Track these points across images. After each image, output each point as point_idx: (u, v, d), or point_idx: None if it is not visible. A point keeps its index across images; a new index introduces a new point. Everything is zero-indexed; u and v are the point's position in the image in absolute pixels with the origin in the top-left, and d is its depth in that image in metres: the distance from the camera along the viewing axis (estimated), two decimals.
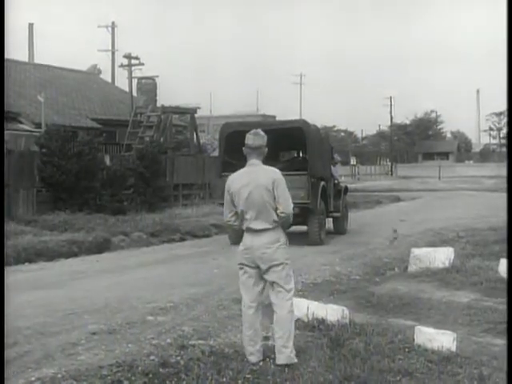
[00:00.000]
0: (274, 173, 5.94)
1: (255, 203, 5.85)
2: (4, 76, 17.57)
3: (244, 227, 5.99)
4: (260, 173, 5.94)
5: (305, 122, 15.60)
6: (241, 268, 6.03)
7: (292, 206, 5.91)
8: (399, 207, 28.84)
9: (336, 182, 17.90)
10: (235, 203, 5.98)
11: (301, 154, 17.53)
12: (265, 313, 6.18)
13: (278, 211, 5.82)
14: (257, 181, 5.88)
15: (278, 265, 5.85)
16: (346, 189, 18.74)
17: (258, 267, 5.91)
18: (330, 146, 18.32)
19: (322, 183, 15.71)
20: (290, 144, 17.01)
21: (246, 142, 6.08)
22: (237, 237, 14.84)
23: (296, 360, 5.79)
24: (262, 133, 6.14)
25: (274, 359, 5.82)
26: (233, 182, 6.07)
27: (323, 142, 16.79)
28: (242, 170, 6.15)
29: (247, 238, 5.97)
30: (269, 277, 5.88)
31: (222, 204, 16.48)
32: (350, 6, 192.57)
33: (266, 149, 6.13)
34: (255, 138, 6.06)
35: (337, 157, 20.76)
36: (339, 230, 17.78)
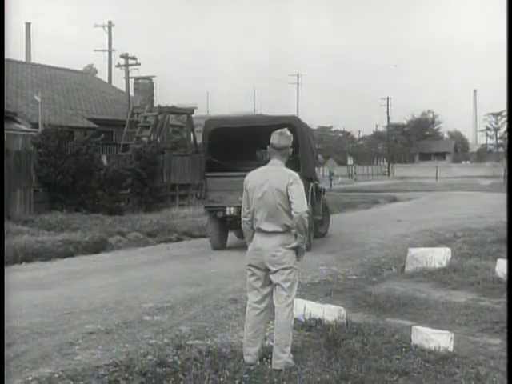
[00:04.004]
0: (290, 176, 5.81)
1: (267, 204, 5.79)
2: (4, 77, 17.57)
3: (255, 227, 5.92)
4: (277, 174, 5.84)
5: (296, 119, 14.82)
6: (249, 269, 5.98)
7: (306, 208, 5.74)
8: (396, 207, 28.86)
9: (316, 183, 16.40)
10: (249, 201, 5.93)
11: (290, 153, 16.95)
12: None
13: (292, 212, 5.70)
14: (272, 182, 5.80)
15: (286, 268, 5.80)
16: (324, 191, 17.53)
17: (266, 269, 5.85)
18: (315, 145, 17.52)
19: (311, 184, 14.87)
20: None
21: (270, 141, 5.98)
22: (221, 241, 14.61)
23: (293, 363, 5.78)
24: (288, 133, 6.03)
25: (271, 359, 5.81)
26: (249, 179, 6.00)
27: (312, 141, 16.08)
28: (260, 169, 6.04)
29: (257, 239, 5.89)
30: (275, 278, 5.84)
31: (207, 207, 15.38)
32: (347, 6, 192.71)
33: (291, 150, 6.06)
34: (280, 138, 5.96)
35: (320, 158, 20.19)
36: (316, 233, 15.87)
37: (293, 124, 13.75)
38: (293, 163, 15.01)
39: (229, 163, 14.87)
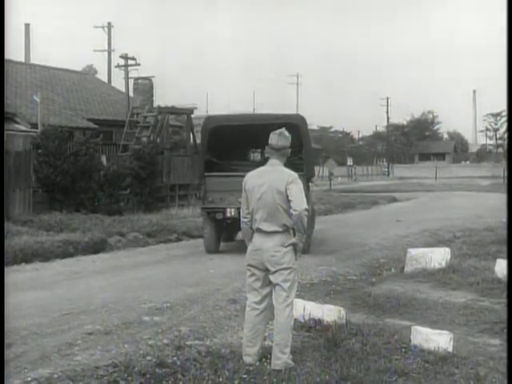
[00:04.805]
0: (289, 176, 5.84)
1: (267, 205, 5.80)
2: (4, 77, 17.56)
3: (254, 227, 5.93)
4: (276, 174, 5.86)
5: (301, 118, 14.20)
6: (248, 269, 5.99)
7: (305, 206, 5.72)
8: (395, 208, 28.86)
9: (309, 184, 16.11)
10: (248, 202, 5.94)
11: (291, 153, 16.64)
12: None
13: (291, 210, 5.70)
14: (271, 182, 5.81)
15: (286, 268, 5.81)
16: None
17: (266, 270, 5.86)
18: None
19: (310, 185, 14.48)
20: None
21: (269, 141, 5.99)
22: (216, 244, 14.26)
23: (293, 364, 5.79)
24: (287, 133, 6.05)
25: (271, 359, 5.81)
26: (248, 180, 6.01)
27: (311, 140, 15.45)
28: (259, 169, 6.08)
29: (257, 239, 5.90)
30: (274, 279, 5.85)
31: (205, 208, 14.84)
32: (346, 5, 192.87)
33: (290, 150, 6.08)
34: (279, 139, 5.98)
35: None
36: None
37: (297, 123, 13.43)
38: (296, 163, 14.73)
39: (229, 163, 14.58)
